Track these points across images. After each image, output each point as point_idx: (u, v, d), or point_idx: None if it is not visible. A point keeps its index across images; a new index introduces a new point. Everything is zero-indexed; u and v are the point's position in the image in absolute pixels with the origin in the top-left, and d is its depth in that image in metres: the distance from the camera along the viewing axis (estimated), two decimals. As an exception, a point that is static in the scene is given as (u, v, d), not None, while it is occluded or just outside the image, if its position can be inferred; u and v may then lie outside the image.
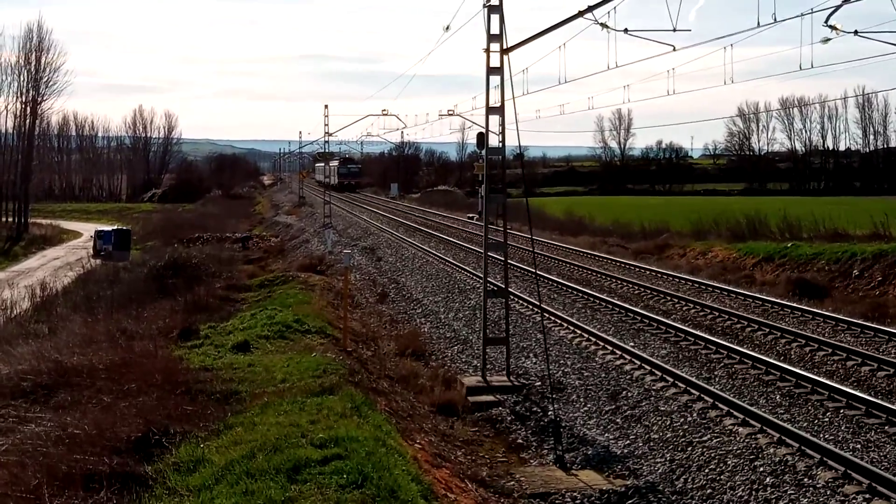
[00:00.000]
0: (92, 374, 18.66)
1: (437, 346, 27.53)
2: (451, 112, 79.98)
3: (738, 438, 16.92)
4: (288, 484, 12.05)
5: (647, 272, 39.29)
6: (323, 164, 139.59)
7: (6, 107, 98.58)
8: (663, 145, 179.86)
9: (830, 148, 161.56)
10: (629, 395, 20.35)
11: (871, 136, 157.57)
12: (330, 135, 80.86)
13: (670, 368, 21.35)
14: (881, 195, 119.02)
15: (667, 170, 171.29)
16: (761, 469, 15.50)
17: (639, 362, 22.42)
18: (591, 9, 20.02)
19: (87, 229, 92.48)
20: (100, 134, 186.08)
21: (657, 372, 21.37)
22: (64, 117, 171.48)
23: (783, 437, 16.49)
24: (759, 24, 18.57)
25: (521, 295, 32.24)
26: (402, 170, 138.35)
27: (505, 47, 21.89)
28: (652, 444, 17.63)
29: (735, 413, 18.05)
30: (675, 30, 20.35)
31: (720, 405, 18.61)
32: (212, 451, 13.71)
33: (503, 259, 24.22)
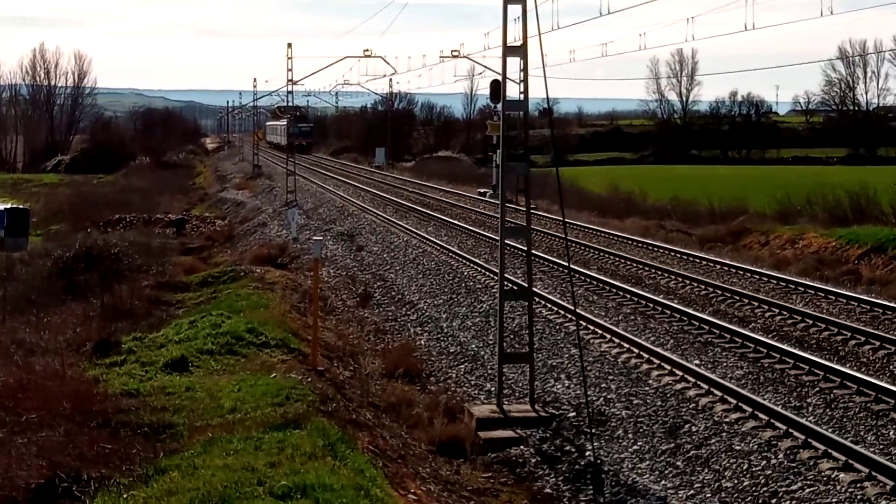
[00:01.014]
0: (-22, 400, 18.69)
1: (437, 364, 27.56)
2: (455, 53, 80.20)
3: (839, 488, 16.94)
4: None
5: (718, 266, 39.30)
6: (275, 123, 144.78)
7: None
8: (739, 98, 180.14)
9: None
10: (693, 429, 20.36)
11: None
12: (294, 83, 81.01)
13: (748, 395, 21.33)
14: None
15: (744, 130, 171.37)
16: (869, 528, 15.53)
17: (706, 386, 22.42)
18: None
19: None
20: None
21: (731, 399, 21.37)
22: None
23: (898, 487, 16.53)
24: (868, -65, 18.56)
25: (550, 296, 32.26)
26: (391, 130, 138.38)
27: (529, -34, 21.86)
28: (724, 494, 17.64)
29: (835, 454, 18.06)
30: (755, -57, 20.34)
31: (815, 443, 18.62)
32: (138, 504, 13.75)
33: (525, 249, 24.24)
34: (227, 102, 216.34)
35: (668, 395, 22.40)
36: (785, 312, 30.12)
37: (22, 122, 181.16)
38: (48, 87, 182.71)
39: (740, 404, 20.99)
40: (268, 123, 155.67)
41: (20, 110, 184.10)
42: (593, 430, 20.79)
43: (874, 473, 17.14)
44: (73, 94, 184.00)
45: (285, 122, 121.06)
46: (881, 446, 18.94)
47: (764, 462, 18.35)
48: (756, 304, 31.60)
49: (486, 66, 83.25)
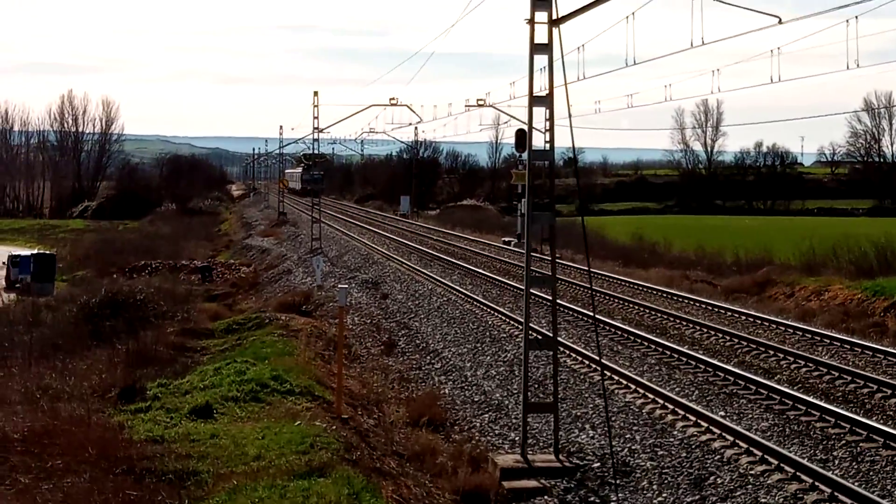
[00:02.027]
0: (4, 446, 18.73)
1: (461, 413, 27.51)
2: (481, 102, 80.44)
3: (865, 542, 16.81)
4: None
5: (743, 317, 39.19)
6: (292, 171, 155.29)
7: None
8: (764, 148, 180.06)
9: None
10: (719, 481, 20.26)
11: None
12: (320, 130, 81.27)
13: (774, 447, 21.23)
14: None
15: (769, 181, 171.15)
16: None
17: (732, 438, 22.32)
18: (670, -33, 20.11)
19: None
20: (16, 128, 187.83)
21: (756, 451, 21.27)
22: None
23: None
24: (894, -12, 18.58)
25: (575, 346, 32.20)
26: (416, 178, 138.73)
27: (555, 17, 21.99)
28: (749, 547, 17.53)
29: (861, 508, 17.93)
30: (782, -5, 20.41)
31: (842, 497, 18.50)
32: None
33: (551, 298, 24.23)
34: (253, 149, 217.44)
35: (693, 446, 22.30)
36: (811, 364, 29.99)
37: (49, 167, 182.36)
38: (76, 134, 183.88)
39: (766, 456, 20.88)
40: (286, 171, 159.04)
41: (48, 156, 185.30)
42: (618, 481, 20.70)
43: (901, 528, 17.01)
44: (101, 140, 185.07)
45: (300, 170, 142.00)
46: (908, 500, 18.80)
47: (790, 515, 18.24)
48: (782, 355, 31.48)
49: (511, 116, 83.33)
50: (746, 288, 50.82)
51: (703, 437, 22.74)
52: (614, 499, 20.09)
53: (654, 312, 40.23)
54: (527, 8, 22.21)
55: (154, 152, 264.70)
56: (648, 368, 30.05)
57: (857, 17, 27.78)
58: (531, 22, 22.26)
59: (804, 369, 29.72)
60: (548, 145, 23.05)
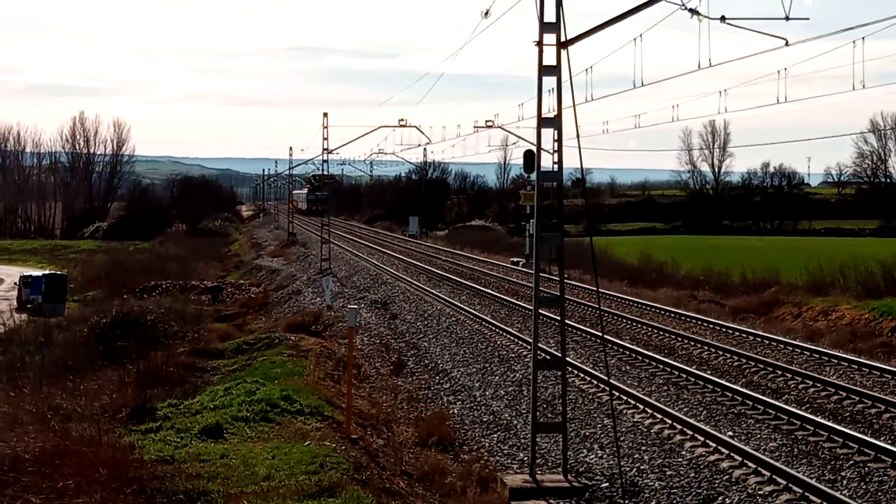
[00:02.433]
0: (16, 466, 18.72)
1: (470, 433, 27.49)
2: (489, 124, 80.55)
3: (873, 562, 16.76)
4: None
5: (751, 338, 39.14)
6: (299, 192, 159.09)
7: None
8: (771, 169, 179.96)
9: None
10: (727, 501, 20.22)
11: None
12: (329, 152, 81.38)
13: (782, 467, 21.19)
14: None
15: (776, 201, 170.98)
16: None
17: (740, 458, 22.28)
18: (677, -10, 20.13)
19: (10, 274, 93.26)
20: (28, 149, 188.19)
21: (764, 471, 21.23)
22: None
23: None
24: (900, 10, 18.60)
25: (583, 366, 32.18)
26: (425, 199, 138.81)
27: (563, 40, 22.03)
28: (758, 568, 17.47)
29: (869, 528, 17.88)
30: (787, 18, 20.46)
31: (849, 517, 18.44)
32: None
33: (559, 319, 24.23)
34: (263, 170, 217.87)
35: (702, 466, 22.26)
36: (819, 384, 29.94)
37: (61, 188, 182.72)
38: (87, 155, 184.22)
39: (774, 476, 20.84)
40: (294, 192, 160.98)
41: (59, 177, 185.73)
42: (626, 502, 20.65)
43: (910, 548, 16.96)
44: (112, 161, 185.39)
45: (306, 191, 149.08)
46: (917, 520, 18.75)
47: (798, 535, 18.19)
48: (789, 375, 31.43)
49: (519, 137, 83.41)
50: (754, 308, 50.74)
51: (712, 458, 22.70)
52: (623, 519, 20.06)
53: (661, 332, 40.20)
54: (535, 30, 22.28)
55: (165, 173, 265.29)
56: (657, 388, 30.02)
57: (863, 38, 27.83)
58: (539, 44, 22.31)
59: (812, 389, 29.67)
60: (556, 166, 23.07)
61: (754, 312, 49.77)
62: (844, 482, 21.07)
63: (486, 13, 27.65)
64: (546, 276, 44.04)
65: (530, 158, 62.86)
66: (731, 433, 24.64)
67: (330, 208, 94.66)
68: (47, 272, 75.97)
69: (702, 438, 23.97)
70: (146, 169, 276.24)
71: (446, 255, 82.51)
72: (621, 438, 23.89)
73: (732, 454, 22.57)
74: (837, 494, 19.50)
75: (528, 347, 31.53)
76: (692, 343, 37.71)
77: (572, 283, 54.89)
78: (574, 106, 21.87)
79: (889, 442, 23.46)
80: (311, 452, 20.65)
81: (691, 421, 25.26)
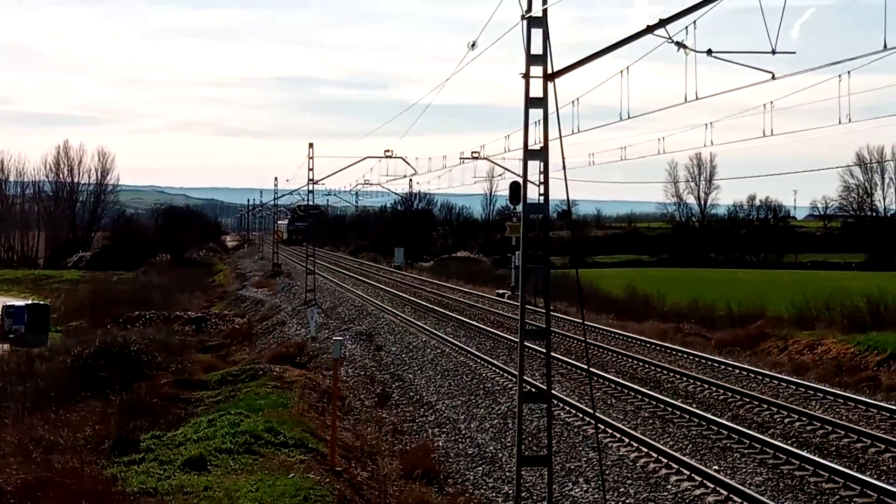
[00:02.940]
0: (-3, 497, 18.66)
1: (454, 465, 27.44)
2: (476, 155, 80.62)
3: None
4: None
5: (736, 371, 39.18)
6: (281, 222, 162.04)
7: None
8: (757, 202, 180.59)
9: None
10: (713, 536, 20.19)
11: None
12: (315, 182, 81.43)
13: (768, 502, 21.21)
14: None
15: (762, 234, 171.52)
16: None
17: (725, 492, 22.29)
18: (663, 23, 20.21)
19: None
20: (11, 178, 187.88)
21: (750, 506, 21.23)
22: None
23: None
24: (885, 45, 18.71)
25: (569, 399, 32.17)
26: (411, 230, 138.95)
27: (550, 72, 22.11)
28: None
29: (855, 563, 17.89)
30: (774, 52, 20.48)
31: (835, 552, 18.45)
32: None
33: (545, 351, 24.22)
34: (248, 200, 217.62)
35: (688, 500, 22.26)
36: (804, 418, 29.98)
37: (44, 218, 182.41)
38: (71, 184, 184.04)
39: (760, 511, 20.83)
40: (278, 222, 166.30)
41: (43, 207, 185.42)
42: (612, 536, 20.62)
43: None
44: (96, 190, 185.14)
45: (287, 221, 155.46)
46: (903, 556, 18.75)
47: (784, 570, 18.19)
48: (775, 409, 31.47)
49: (505, 168, 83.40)
50: (740, 341, 50.81)
51: (697, 492, 22.70)
52: (608, 553, 20.02)
53: (647, 365, 40.23)
54: (522, 63, 22.36)
55: (149, 203, 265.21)
56: (642, 422, 30.02)
57: (848, 72, 27.94)
58: (526, 76, 22.36)
59: (798, 423, 29.70)
60: (542, 198, 23.12)
61: (740, 345, 49.84)
62: (830, 517, 21.06)
63: (473, 45, 27.65)
64: (532, 307, 44.07)
65: (516, 190, 62.89)
66: (716, 467, 24.65)
67: (315, 239, 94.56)
68: (30, 302, 75.70)
69: (687, 472, 23.98)
70: (130, 198, 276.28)
71: (431, 287, 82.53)
72: (607, 472, 23.89)
73: (718, 488, 22.58)
74: (823, 529, 19.50)
75: (514, 380, 31.52)
76: (678, 376, 37.74)
77: (558, 315, 54.91)
78: (560, 138, 21.90)
79: (875, 477, 23.49)
80: (296, 485, 20.60)
81: (677, 454, 25.27)
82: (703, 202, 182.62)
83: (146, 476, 21.88)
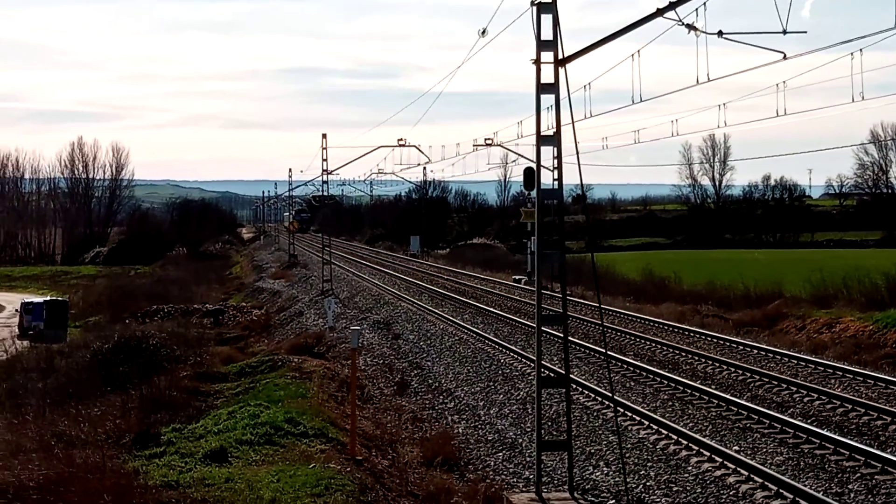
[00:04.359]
0: (20, 494, 18.74)
1: (475, 452, 27.48)
2: (489, 141, 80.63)
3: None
4: None
5: (755, 351, 39.14)
6: (286, 213, 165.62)
7: None
8: (772, 182, 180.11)
9: None
10: (734, 516, 20.19)
11: None
12: (329, 173, 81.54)
13: (789, 481, 21.18)
14: None
15: (777, 214, 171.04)
16: None
17: (746, 472, 22.27)
18: (672, 6, 20.20)
19: (11, 301, 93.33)
20: (27, 175, 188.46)
21: (771, 485, 21.22)
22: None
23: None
24: (897, 21, 18.61)
25: (587, 383, 32.18)
26: (426, 218, 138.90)
27: (560, 57, 22.09)
28: (766, 583, 17.46)
29: (877, 540, 17.87)
30: (785, 32, 20.45)
31: (857, 530, 18.43)
32: None
33: (562, 336, 24.25)
34: (263, 192, 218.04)
35: (708, 481, 22.25)
36: (824, 397, 29.94)
37: (60, 214, 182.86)
38: (86, 180, 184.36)
39: (781, 491, 20.83)
40: (284, 214, 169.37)
41: (59, 203, 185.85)
42: (633, 518, 20.63)
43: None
44: (111, 186, 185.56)
45: (291, 214, 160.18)
46: (925, 532, 18.73)
47: (806, 549, 18.18)
48: (794, 388, 31.43)
49: (519, 154, 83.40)
50: (758, 321, 50.72)
51: (718, 472, 22.70)
52: (630, 536, 20.03)
53: (665, 348, 40.20)
54: (533, 49, 22.33)
55: (164, 197, 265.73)
56: (661, 404, 30.01)
57: (861, 50, 27.86)
58: (537, 62, 22.36)
59: (817, 402, 29.66)
60: (556, 183, 23.11)
61: (758, 326, 49.75)
62: (851, 495, 21.06)
63: (484, 32, 27.62)
64: (548, 292, 44.07)
65: (530, 176, 62.42)
66: (736, 448, 24.63)
67: (330, 229, 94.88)
68: (48, 298, 75.97)
69: (708, 453, 23.96)
70: (145, 193, 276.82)
71: (448, 274, 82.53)
72: (627, 455, 23.89)
73: (739, 469, 22.57)
74: (845, 507, 19.48)
75: (532, 365, 31.52)
76: (696, 358, 37.70)
77: (575, 299, 54.91)
78: (573, 123, 21.92)
79: (895, 453, 23.44)
80: (316, 475, 20.65)
81: (697, 436, 25.26)
82: (717, 183, 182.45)
83: (168, 469, 21.97)
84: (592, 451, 25.59)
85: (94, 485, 19.02)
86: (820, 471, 22.74)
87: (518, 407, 31.02)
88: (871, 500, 20.72)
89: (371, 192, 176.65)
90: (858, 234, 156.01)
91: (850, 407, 28.57)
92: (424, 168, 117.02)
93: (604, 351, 28.58)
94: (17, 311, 75.32)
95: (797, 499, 20.29)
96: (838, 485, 21.73)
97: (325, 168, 79.93)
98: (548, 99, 22.54)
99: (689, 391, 31.26)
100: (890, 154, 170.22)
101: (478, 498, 22.90)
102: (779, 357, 37.53)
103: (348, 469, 22.05)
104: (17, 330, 70.70)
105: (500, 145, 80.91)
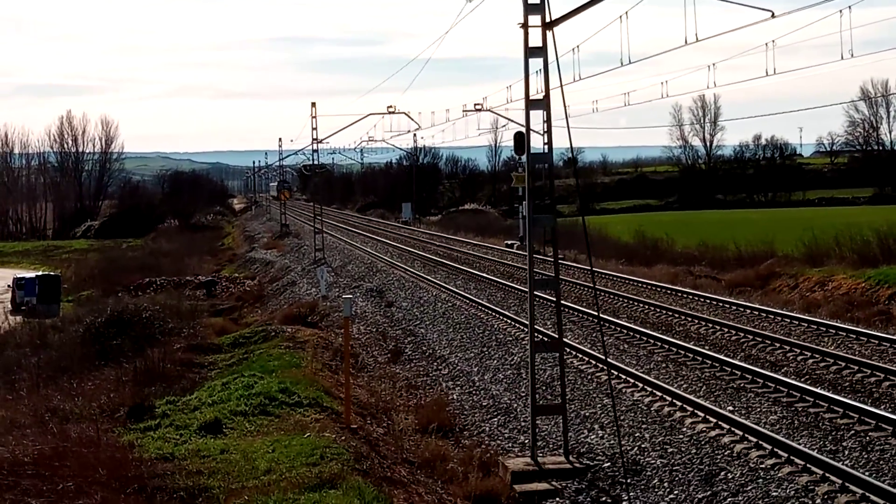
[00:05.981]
0: (15, 469, 18.73)
1: (469, 418, 27.51)
2: (478, 107, 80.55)
3: (877, 531, 16.78)
4: None
5: (748, 311, 39.18)
6: (272, 184, 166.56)
7: None
8: (763, 141, 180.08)
9: None
10: (729, 476, 20.25)
11: None
12: (319, 141, 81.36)
13: (783, 440, 21.22)
14: None
15: (768, 173, 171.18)
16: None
17: (741, 432, 22.31)
18: (660, -35, 20.08)
19: (3, 276, 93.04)
20: (16, 150, 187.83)
21: (766, 445, 21.26)
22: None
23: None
24: (884, -23, 18.56)
25: (581, 347, 32.21)
26: (417, 184, 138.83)
27: (548, 20, 22.01)
28: (762, 542, 17.50)
29: (874, 497, 17.92)
30: (773, -11, 20.39)
31: (852, 487, 18.49)
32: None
33: (555, 300, 24.25)
34: (253, 163, 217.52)
35: (703, 442, 22.30)
36: (817, 356, 29.99)
37: (51, 189, 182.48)
38: (76, 154, 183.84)
39: (775, 450, 20.87)
40: (270, 185, 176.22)
41: (49, 178, 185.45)
42: (628, 480, 20.69)
43: (914, 516, 16.99)
44: (101, 159, 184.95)
45: (276, 183, 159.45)
46: (920, 488, 18.77)
47: (802, 508, 18.22)
48: (788, 347, 31.47)
49: (509, 119, 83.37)
50: (750, 281, 50.82)
51: (713, 433, 22.74)
52: (626, 498, 20.09)
53: (658, 310, 40.24)
54: (520, 12, 22.24)
55: (155, 169, 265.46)
56: (655, 366, 30.06)
57: (849, 7, 27.84)
58: (525, 26, 22.28)
59: (811, 361, 29.71)
60: (546, 148, 23.07)
61: (751, 286, 49.85)
62: (846, 452, 21.11)
63: (470, -4, 27.55)
64: (541, 257, 44.08)
65: (520, 140, 62.48)
66: (731, 408, 24.69)
67: (321, 198, 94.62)
68: (40, 273, 75.85)
69: (702, 414, 24.01)
70: (136, 166, 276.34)
71: (440, 241, 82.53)
72: (621, 417, 23.94)
73: (733, 429, 22.62)
74: (839, 465, 19.53)
75: (525, 330, 31.55)
76: (689, 319, 37.75)
77: (567, 263, 54.93)
78: (562, 86, 21.88)
79: (889, 410, 23.49)
80: (311, 444, 20.66)
81: (691, 397, 25.31)
82: (708, 144, 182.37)
83: (163, 441, 21.98)
84: (587, 414, 25.63)
85: (89, 459, 19.03)
86: (814, 429, 22.79)
87: (512, 372, 31.05)
88: (866, 456, 20.77)
89: (362, 160, 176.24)
90: (850, 192, 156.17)
91: (843, 365, 28.63)
92: (415, 135, 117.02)
93: (597, 314, 28.58)
94: (9, 286, 75.14)
95: (792, 457, 20.33)
96: (833, 443, 21.78)
97: (315, 137, 79.74)
98: (536, 63, 22.48)
99: (683, 352, 31.30)
100: (880, 111, 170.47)
101: (473, 464, 22.94)
102: (772, 316, 37.57)
103: (343, 438, 22.06)
104: (9, 305, 70.62)
105: (489, 110, 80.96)
